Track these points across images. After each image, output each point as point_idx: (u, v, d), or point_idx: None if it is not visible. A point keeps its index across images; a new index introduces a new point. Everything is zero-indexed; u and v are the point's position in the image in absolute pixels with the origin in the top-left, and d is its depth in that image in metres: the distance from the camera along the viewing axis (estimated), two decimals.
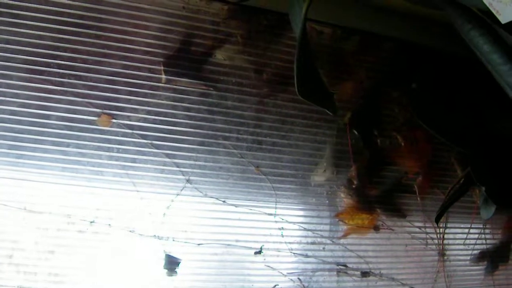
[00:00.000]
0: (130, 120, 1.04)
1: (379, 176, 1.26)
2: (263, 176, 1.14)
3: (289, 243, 1.17)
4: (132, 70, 1.04)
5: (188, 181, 1.08)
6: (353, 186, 1.22)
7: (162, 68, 1.06)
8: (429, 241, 1.32)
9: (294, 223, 1.17)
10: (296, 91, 0.79)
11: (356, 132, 1.23)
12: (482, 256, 1.40)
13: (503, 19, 0.65)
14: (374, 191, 1.25)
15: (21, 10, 0.97)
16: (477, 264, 1.40)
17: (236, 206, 1.12)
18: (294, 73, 0.78)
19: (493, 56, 0.70)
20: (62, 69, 0.99)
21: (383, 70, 1.28)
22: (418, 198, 1.30)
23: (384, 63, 1.29)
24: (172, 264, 1.07)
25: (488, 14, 0.68)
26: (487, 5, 0.65)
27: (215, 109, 1.11)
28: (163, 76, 1.06)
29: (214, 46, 1.11)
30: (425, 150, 1.31)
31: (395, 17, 1.24)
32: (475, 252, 1.40)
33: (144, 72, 1.05)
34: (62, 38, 0.99)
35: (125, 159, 1.04)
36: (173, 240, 1.07)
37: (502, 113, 1.14)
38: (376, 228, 1.26)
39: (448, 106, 1.25)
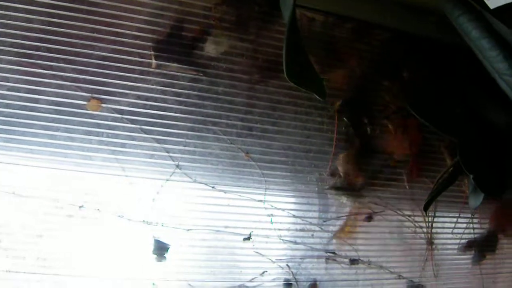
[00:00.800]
0: (120, 105, 1.04)
1: (368, 164, 1.27)
2: (253, 163, 1.14)
3: (278, 229, 1.17)
4: (122, 55, 1.04)
5: (177, 166, 1.08)
6: (340, 174, 1.22)
7: (152, 53, 1.05)
8: (418, 229, 1.33)
9: (283, 209, 1.18)
10: (284, 75, 0.79)
11: (346, 120, 1.23)
12: (469, 246, 1.41)
13: (492, 5, 0.65)
14: (362, 179, 1.25)
15: None
16: (464, 253, 1.41)
17: (225, 192, 1.12)
18: (283, 56, 0.78)
19: (482, 41, 0.71)
20: (51, 53, 0.99)
21: (375, 58, 1.28)
22: (407, 186, 1.30)
23: (376, 51, 1.29)
24: (161, 249, 1.07)
25: (478, 0, 0.68)
26: None
27: (205, 94, 1.10)
28: (153, 61, 1.05)
29: (205, 31, 1.10)
30: (415, 139, 1.32)
31: (388, 6, 1.24)
32: (463, 241, 1.40)
33: (134, 57, 1.05)
34: (52, 21, 0.99)
35: (115, 144, 1.03)
36: (162, 226, 1.07)
37: (491, 102, 1.15)
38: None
39: (439, 95, 1.25)
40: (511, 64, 0.70)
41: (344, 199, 1.23)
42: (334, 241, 1.22)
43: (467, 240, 1.42)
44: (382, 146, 1.28)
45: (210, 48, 1.11)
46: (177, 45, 1.08)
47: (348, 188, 1.23)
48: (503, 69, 0.68)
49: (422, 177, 1.33)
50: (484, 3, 0.65)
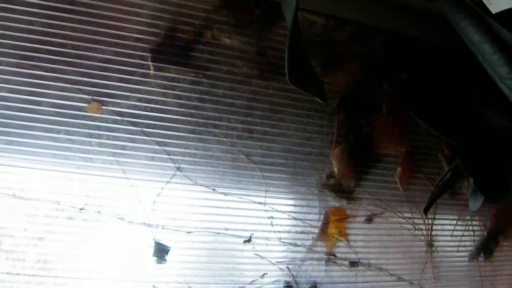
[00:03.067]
0: (121, 107, 1.04)
1: (363, 165, 1.27)
2: (254, 165, 1.14)
3: (279, 232, 1.17)
4: (123, 57, 1.04)
5: (178, 169, 1.08)
6: (335, 172, 1.23)
7: (150, 63, 1.05)
8: (417, 232, 1.33)
9: (283, 212, 1.18)
10: (287, 79, 0.79)
11: (343, 116, 1.23)
12: (477, 252, 1.42)
13: (494, 9, 0.65)
14: (353, 177, 1.25)
15: None
16: (473, 260, 1.42)
17: (226, 195, 1.12)
18: (285, 60, 0.78)
19: (484, 45, 0.71)
20: (53, 55, 0.99)
21: (374, 61, 1.29)
22: (401, 189, 1.31)
23: (376, 54, 1.29)
24: (161, 251, 1.07)
25: (480, 4, 0.68)
26: None
27: (206, 97, 1.10)
28: (151, 71, 1.05)
29: (206, 34, 1.11)
30: (412, 140, 1.32)
31: (388, 9, 1.24)
32: (463, 243, 1.41)
33: (135, 59, 1.05)
34: (53, 23, 0.99)
35: (115, 146, 1.04)
36: (163, 228, 1.07)
37: (492, 105, 1.15)
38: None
39: (438, 98, 1.26)
40: None
41: (336, 201, 1.23)
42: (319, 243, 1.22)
43: (471, 245, 1.42)
44: (377, 147, 1.28)
45: (211, 51, 1.11)
46: (178, 48, 1.08)
47: (340, 189, 1.23)
48: (504, 73, 0.69)
49: (419, 180, 1.33)
50: (486, 7, 0.65)
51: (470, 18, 0.70)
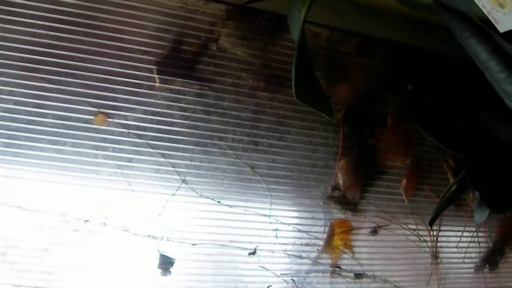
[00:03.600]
0: (126, 120, 1.04)
1: (368, 177, 1.27)
2: (259, 177, 1.14)
3: (283, 244, 1.17)
4: (129, 70, 1.04)
5: (183, 181, 1.08)
6: (340, 184, 1.22)
7: (156, 75, 1.06)
8: (423, 243, 1.33)
9: (288, 224, 1.18)
10: (293, 96, 0.79)
11: (348, 128, 1.23)
12: (483, 263, 1.42)
13: (501, 28, 0.65)
14: (359, 190, 1.25)
15: (18, 8, 0.96)
16: (478, 271, 1.41)
17: (231, 207, 1.12)
18: (292, 77, 0.78)
19: (491, 63, 0.71)
20: (59, 68, 0.99)
21: (379, 72, 1.29)
22: (406, 201, 1.30)
23: (380, 65, 1.29)
24: (166, 264, 1.07)
25: (487, 22, 0.68)
26: (486, 14, 0.65)
27: (211, 109, 1.11)
28: (157, 83, 1.06)
29: (211, 47, 1.11)
30: (416, 152, 1.32)
31: (393, 20, 1.24)
32: (468, 255, 1.40)
33: (141, 72, 1.05)
34: (59, 36, 0.99)
35: (121, 159, 1.04)
36: (168, 240, 1.07)
37: (497, 118, 1.14)
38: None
39: (443, 109, 1.25)
40: None
41: (341, 213, 1.23)
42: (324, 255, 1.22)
43: (479, 258, 1.42)
44: (382, 159, 1.28)
45: (216, 63, 1.11)
46: (183, 60, 1.08)
47: (345, 201, 1.23)
48: (511, 91, 0.69)
49: (424, 191, 1.33)
50: (494, 26, 0.65)
51: (477, 36, 0.70)
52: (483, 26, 0.71)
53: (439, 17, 0.79)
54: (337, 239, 1.22)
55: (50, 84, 0.98)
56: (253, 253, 1.14)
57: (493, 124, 1.18)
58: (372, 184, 1.27)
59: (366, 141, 1.26)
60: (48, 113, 0.99)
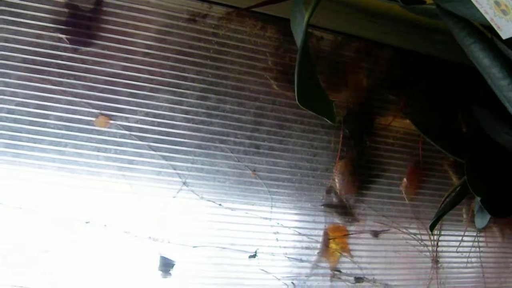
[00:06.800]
0: (128, 122, 1.04)
1: (366, 181, 1.27)
2: (260, 180, 1.14)
3: (284, 247, 1.17)
4: (131, 72, 1.04)
5: (184, 183, 1.08)
6: (336, 188, 1.22)
7: (158, 77, 1.06)
8: (423, 248, 1.33)
9: (289, 227, 1.17)
10: (296, 100, 0.79)
11: (347, 131, 1.23)
12: None
13: (504, 35, 0.65)
14: (355, 192, 1.25)
15: (21, 9, 0.97)
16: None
17: (232, 210, 1.12)
18: (295, 82, 0.78)
19: (493, 70, 0.70)
20: (62, 69, 0.99)
21: (381, 77, 1.29)
22: (406, 200, 1.30)
23: (382, 70, 1.29)
24: (166, 266, 1.07)
25: (490, 28, 0.68)
26: (489, 20, 0.65)
27: (213, 112, 1.11)
28: (160, 86, 1.06)
29: (214, 49, 1.11)
30: (415, 156, 1.32)
31: (396, 25, 1.24)
32: (469, 259, 1.40)
33: (143, 74, 1.05)
34: (62, 38, 0.99)
35: (122, 160, 1.04)
36: (168, 242, 1.07)
37: (499, 123, 1.14)
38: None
39: (445, 114, 1.25)
40: None
41: (340, 217, 1.23)
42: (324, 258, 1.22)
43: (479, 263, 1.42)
44: (381, 162, 1.28)
45: (218, 66, 1.11)
46: (186, 62, 1.08)
47: (340, 205, 1.23)
48: None
49: (424, 196, 1.33)
50: (496, 32, 0.65)
51: (480, 43, 0.70)
52: (485, 33, 0.71)
53: (442, 22, 0.79)
54: (333, 243, 1.22)
55: (52, 85, 0.99)
56: (254, 256, 1.14)
57: (495, 130, 1.17)
58: (371, 187, 1.26)
59: (365, 143, 1.26)
60: (50, 114, 0.99)
